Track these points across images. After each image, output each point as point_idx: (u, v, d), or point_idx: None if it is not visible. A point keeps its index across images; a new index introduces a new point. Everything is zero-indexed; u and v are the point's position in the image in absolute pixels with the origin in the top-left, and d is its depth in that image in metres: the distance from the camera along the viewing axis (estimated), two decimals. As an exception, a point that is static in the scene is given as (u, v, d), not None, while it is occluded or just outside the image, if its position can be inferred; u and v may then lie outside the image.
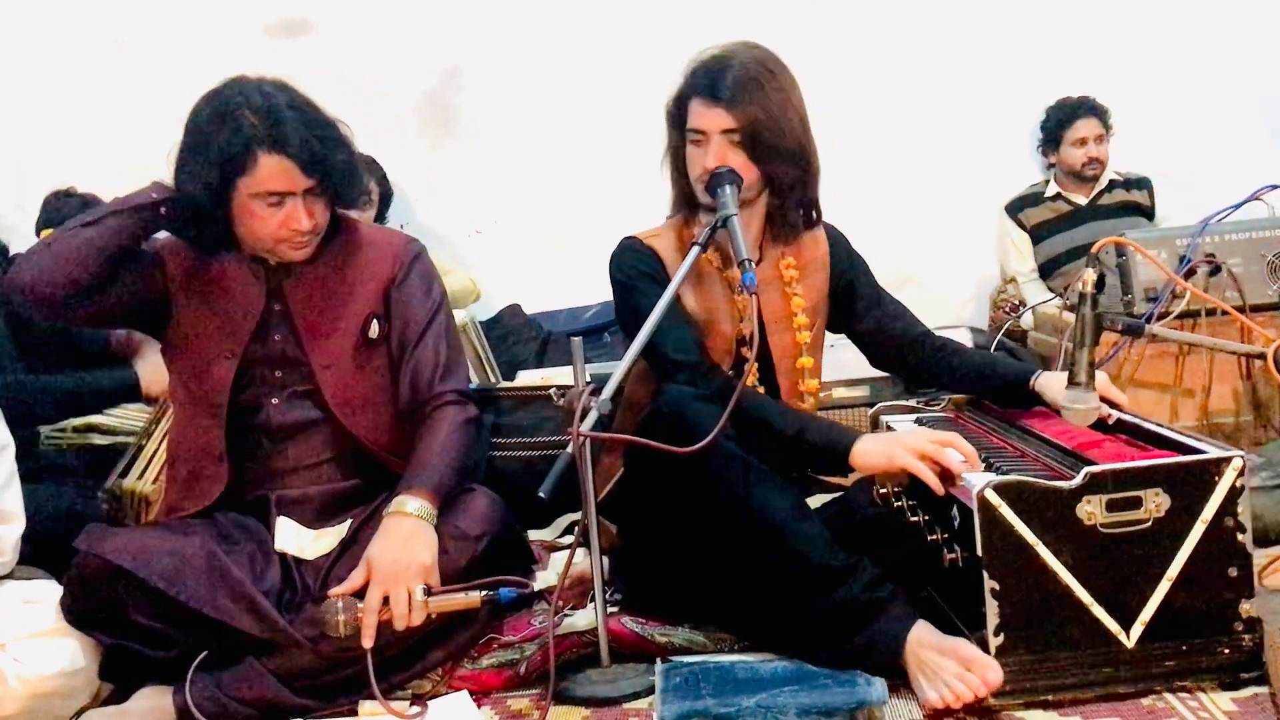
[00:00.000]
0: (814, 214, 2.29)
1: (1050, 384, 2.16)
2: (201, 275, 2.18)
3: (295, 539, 2.10)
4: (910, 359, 2.39)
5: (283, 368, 2.18)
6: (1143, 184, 4.22)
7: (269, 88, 2.06)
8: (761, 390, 2.24)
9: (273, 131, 2.00)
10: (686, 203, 2.28)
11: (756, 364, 2.19)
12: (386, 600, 1.91)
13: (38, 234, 3.43)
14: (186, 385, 2.19)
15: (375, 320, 2.20)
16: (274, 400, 2.17)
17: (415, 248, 2.29)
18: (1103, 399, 2.06)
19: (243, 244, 2.14)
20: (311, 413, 2.18)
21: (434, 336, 2.21)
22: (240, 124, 2.00)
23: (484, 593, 1.97)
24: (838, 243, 2.39)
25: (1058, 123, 4.22)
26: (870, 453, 1.99)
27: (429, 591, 1.94)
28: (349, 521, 2.14)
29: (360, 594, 1.92)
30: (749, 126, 2.13)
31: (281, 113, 2.02)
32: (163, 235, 2.18)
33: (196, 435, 2.17)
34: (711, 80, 2.14)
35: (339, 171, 2.08)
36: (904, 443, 1.95)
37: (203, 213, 2.07)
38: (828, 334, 2.44)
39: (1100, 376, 2.19)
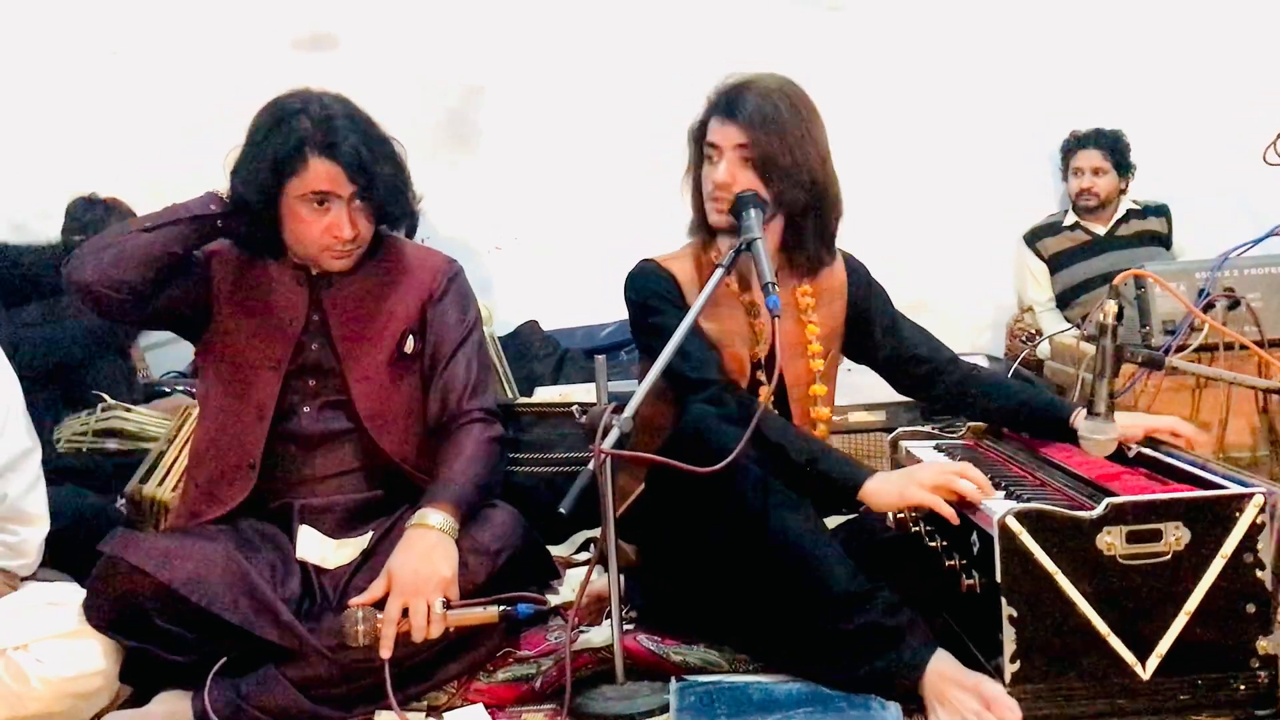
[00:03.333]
0: (831, 250, 2.29)
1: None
2: (245, 282, 2.21)
3: (317, 548, 2.11)
4: (935, 388, 2.38)
5: (317, 377, 2.20)
6: (1161, 211, 4.23)
7: (329, 99, 2.12)
8: (773, 416, 2.24)
9: (326, 136, 2.06)
10: (705, 225, 2.28)
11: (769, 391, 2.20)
12: (406, 612, 1.92)
13: (62, 238, 3.46)
14: (224, 390, 2.21)
15: (411, 336, 2.23)
16: (306, 408, 2.19)
17: (454, 268, 2.32)
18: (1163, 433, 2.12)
19: (289, 250, 2.18)
20: (342, 423, 2.20)
21: (466, 355, 2.24)
22: (295, 127, 2.06)
23: (502, 608, 1.99)
24: (856, 271, 2.38)
25: (1065, 152, 4.26)
26: (882, 491, 1.98)
27: (448, 604, 1.95)
28: (370, 533, 2.16)
29: (380, 605, 1.94)
30: (761, 144, 2.14)
31: (336, 121, 2.07)
32: (211, 249, 2.23)
33: (227, 441, 2.19)
34: (729, 99, 2.17)
35: (385, 183, 2.12)
36: (916, 478, 1.95)
37: (255, 216, 2.11)
38: (844, 359, 2.44)
39: (1170, 419, 2.18)
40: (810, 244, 2.23)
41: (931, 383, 2.38)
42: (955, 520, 1.89)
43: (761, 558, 1.94)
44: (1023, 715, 1.74)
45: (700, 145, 2.24)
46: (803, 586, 1.91)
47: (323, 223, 2.10)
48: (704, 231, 2.29)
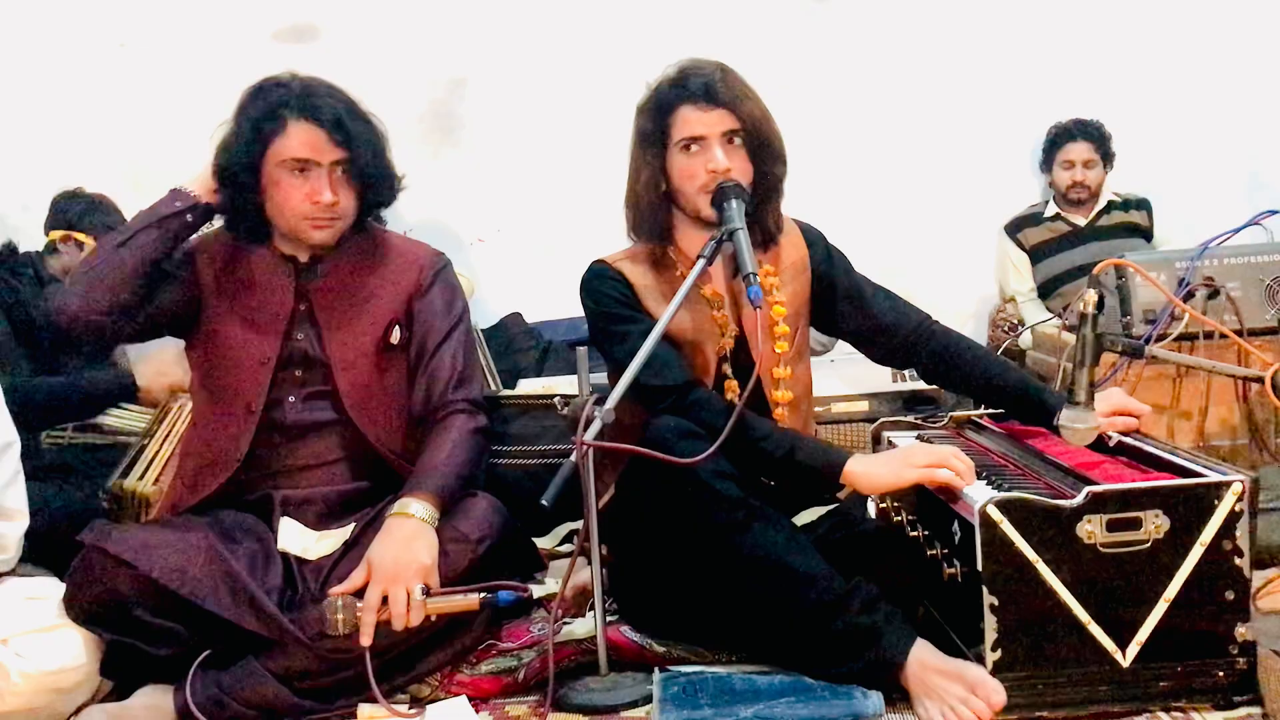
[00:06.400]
0: (779, 221, 2.28)
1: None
2: (231, 274, 2.23)
3: (298, 539, 2.11)
4: (911, 358, 2.35)
5: (303, 366, 2.21)
6: (1142, 205, 4.24)
7: (314, 79, 2.18)
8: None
9: (305, 101, 2.12)
10: (660, 230, 2.23)
11: (738, 380, 2.18)
12: (386, 600, 1.92)
13: (46, 234, 3.44)
14: (211, 383, 2.22)
15: (397, 327, 2.24)
16: (291, 398, 2.20)
17: (441, 260, 2.33)
18: (1122, 412, 2.10)
19: (273, 225, 2.20)
20: (327, 413, 2.20)
21: (452, 347, 2.25)
22: (275, 94, 2.12)
23: (482, 595, 1.99)
24: (815, 244, 2.35)
25: (1050, 143, 4.26)
26: (873, 474, 1.99)
27: (427, 592, 1.95)
28: (352, 524, 2.16)
29: (361, 594, 1.94)
30: (751, 126, 2.14)
31: (317, 90, 2.14)
32: (194, 236, 2.24)
33: (216, 434, 2.19)
34: (705, 84, 2.13)
35: (366, 149, 2.16)
36: (910, 459, 1.96)
37: (239, 191, 2.14)
38: (834, 348, 2.43)
39: (1117, 392, 2.20)
40: (768, 219, 2.23)
41: (905, 351, 2.34)
42: (960, 485, 1.88)
43: (739, 574, 1.93)
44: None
45: (659, 139, 2.17)
46: (780, 599, 1.90)
47: (303, 189, 2.12)
48: (657, 237, 2.24)
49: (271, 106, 2.11)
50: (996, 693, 1.74)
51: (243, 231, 2.21)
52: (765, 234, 2.25)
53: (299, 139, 2.11)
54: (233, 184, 2.14)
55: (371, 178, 2.19)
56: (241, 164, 2.12)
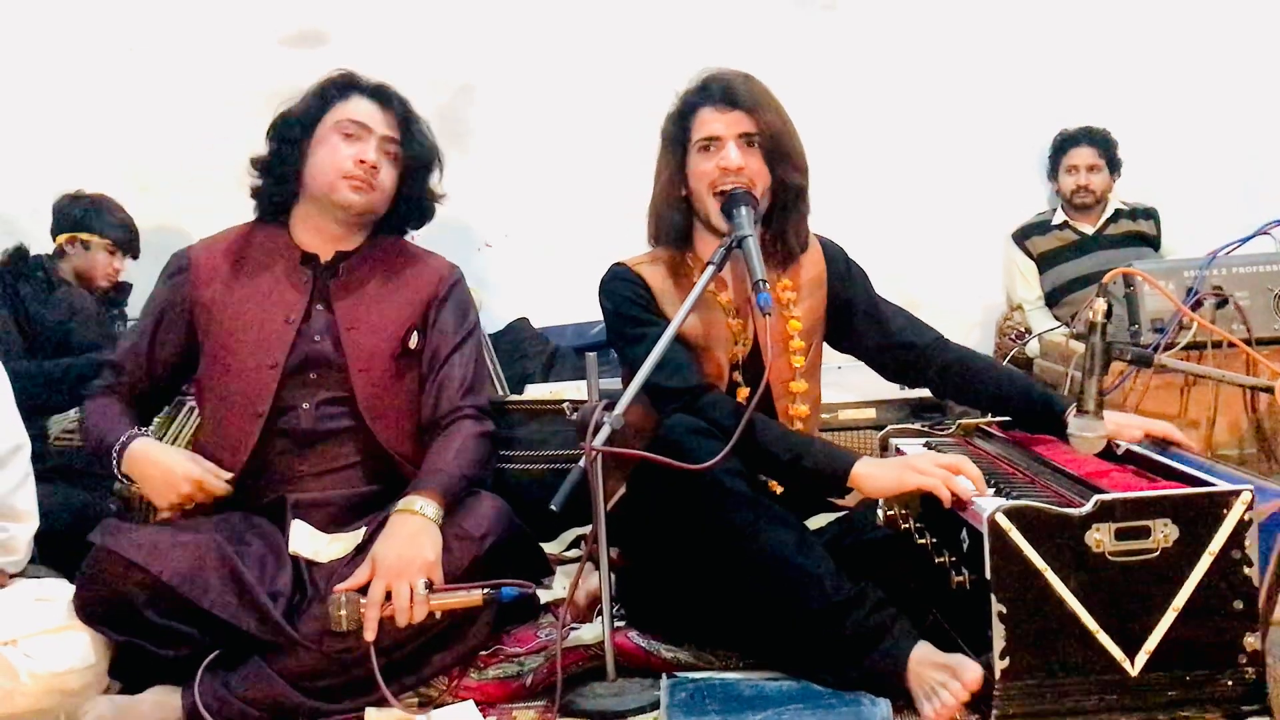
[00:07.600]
0: (803, 238, 2.29)
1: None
2: (245, 278, 2.24)
3: (310, 542, 2.11)
4: (923, 374, 2.36)
5: (318, 369, 2.22)
6: (1149, 214, 4.24)
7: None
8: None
9: (376, 86, 2.29)
10: (678, 235, 2.25)
11: (749, 389, 2.19)
12: (390, 596, 1.93)
13: (53, 238, 3.45)
14: (218, 387, 2.22)
15: (415, 332, 2.27)
16: (305, 405, 2.20)
17: (457, 273, 2.39)
18: (1159, 438, 2.11)
19: (307, 190, 2.26)
20: (341, 421, 2.21)
21: (463, 356, 2.29)
22: (349, 75, 2.30)
23: (486, 591, 1.99)
24: (834, 259, 2.36)
25: (1056, 149, 4.27)
26: (878, 476, 1.99)
27: (431, 587, 1.96)
28: (364, 528, 2.16)
29: (365, 590, 1.94)
30: (767, 129, 2.15)
31: (390, 86, 2.31)
32: (198, 253, 2.28)
33: (222, 439, 2.20)
34: (725, 88, 2.17)
35: (418, 144, 2.28)
36: (913, 464, 1.96)
37: (283, 145, 2.25)
38: (839, 356, 2.43)
39: (1165, 425, 2.19)
40: (790, 234, 2.24)
41: (919, 368, 2.36)
42: (948, 502, 1.89)
43: (746, 571, 1.94)
44: (1012, 711, 1.75)
45: (680, 141, 2.21)
46: (789, 599, 1.91)
47: (350, 150, 2.20)
48: (677, 242, 2.26)
49: (342, 82, 2.27)
50: (971, 670, 1.76)
51: (269, 198, 2.28)
52: (787, 249, 2.26)
53: (360, 107, 2.25)
54: (283, 137, 2.25)
55: (414, 168, 2.29)
56: (299, 119, 2.23)
